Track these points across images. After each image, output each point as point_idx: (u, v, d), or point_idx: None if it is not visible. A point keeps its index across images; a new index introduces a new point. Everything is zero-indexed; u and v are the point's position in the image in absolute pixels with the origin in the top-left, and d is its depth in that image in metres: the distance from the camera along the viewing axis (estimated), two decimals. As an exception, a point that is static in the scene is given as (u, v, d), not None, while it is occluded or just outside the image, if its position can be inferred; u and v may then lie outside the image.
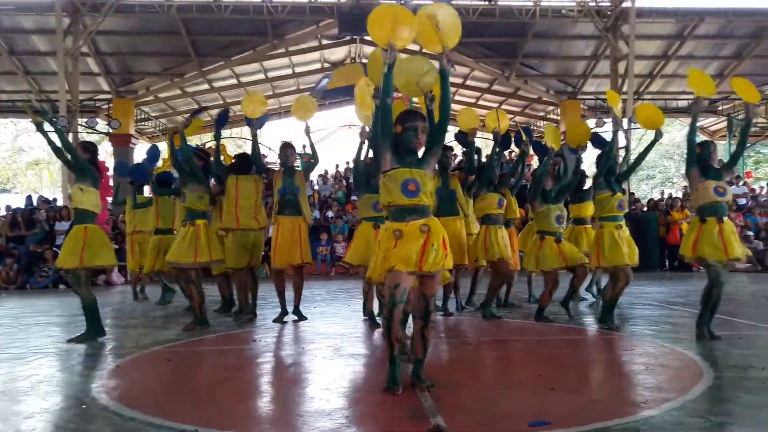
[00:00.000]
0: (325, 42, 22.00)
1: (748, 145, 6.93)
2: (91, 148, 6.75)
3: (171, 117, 24.69)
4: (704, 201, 5.82)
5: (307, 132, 7.73)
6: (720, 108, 23.42)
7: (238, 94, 23.31)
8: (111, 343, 6.43)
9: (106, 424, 3.56)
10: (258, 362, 5.46)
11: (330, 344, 6.02)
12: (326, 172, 21.31)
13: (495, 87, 24.06)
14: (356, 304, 9.06)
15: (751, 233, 16.49)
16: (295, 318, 7.60)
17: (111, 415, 3.73)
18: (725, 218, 5.81)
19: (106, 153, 25.62)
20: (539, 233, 7.27)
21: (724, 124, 24.47)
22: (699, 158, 5.94)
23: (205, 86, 22.67)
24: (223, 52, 20.69)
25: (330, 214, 17.86)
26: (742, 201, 19.17)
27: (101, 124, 20.79)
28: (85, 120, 18.81)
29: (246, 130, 22.45)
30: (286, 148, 7.73)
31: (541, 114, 26.15)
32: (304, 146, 15.83)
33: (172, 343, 6.24)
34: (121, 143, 21.11)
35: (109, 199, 14.24)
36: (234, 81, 22.87)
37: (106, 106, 21.55)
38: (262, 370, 5.21)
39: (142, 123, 23.42)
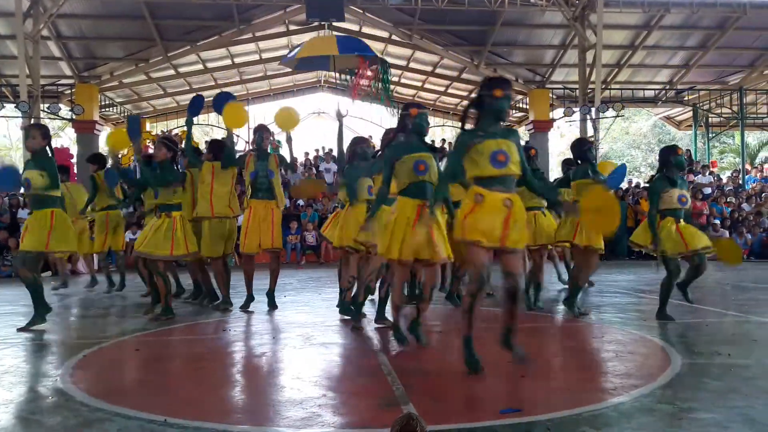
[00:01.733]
0: (292, 28, 21.74)
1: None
2: (48, 133, 6.61)
3: (136, 103, 24.27)
4: (667, 206, 6.23)
5: (289, 141, 7.71)
6: (686, 98, 23.71)
7: (204, 80, 23.07)
8: (78, 332, 6.33)
9: (73, 415, 3.48)
10: (228, 351, 5.41)
11: (301, 333, 5.99)
12: (296, 159, 21.15)
13: (464, 75, 24.03)
14: (327, 293, 9.04)
15: (717, 222, 16.78)
16: (267, 304, 7.52)
17: (78, 405, 3.66)
18: (681, 220, 6.22)
19: (69, 140, 25.12)
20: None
21: (690, 114, 24.86)
22: (675, 162, 6.24)
23: (171, 71, 22.27)
24: (188, 37, 20.30)
25: (300, 202, 17.75)
26: (708, 190, 19.48)
27: (64, 110, 20.34)
28: (48, 105, 18.40)
29: (213, 116, 22.34)
30: (261, 130, 7.56)
31: (511, 103, 26.21)
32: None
33: (140, 333, 6.16)
34: (85, 129, 20.65)
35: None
36: (200, 66, 22.51)
37: (69, 92, 21.08)
38: (233, 359, 5.16)
39: (107, 109, 22.98)
